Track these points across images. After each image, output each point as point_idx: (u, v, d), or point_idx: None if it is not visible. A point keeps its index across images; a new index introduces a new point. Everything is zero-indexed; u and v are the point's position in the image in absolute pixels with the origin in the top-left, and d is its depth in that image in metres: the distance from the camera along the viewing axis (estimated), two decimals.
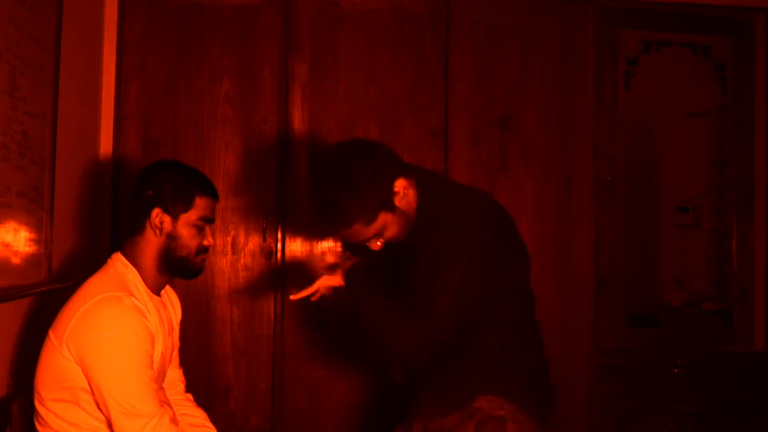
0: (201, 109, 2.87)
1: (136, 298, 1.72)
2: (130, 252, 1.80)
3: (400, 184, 1.75)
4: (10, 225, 2.02)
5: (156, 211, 1.77)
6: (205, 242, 1.84)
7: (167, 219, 1.78)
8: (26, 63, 2.08)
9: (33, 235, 2.18)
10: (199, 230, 1.81)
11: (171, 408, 1.86)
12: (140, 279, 1.78)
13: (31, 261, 2.18)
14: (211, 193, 1.84)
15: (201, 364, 2.78)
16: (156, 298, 1.83)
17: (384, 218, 1.73)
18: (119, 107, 2.83)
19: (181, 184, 1.80)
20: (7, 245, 2.00)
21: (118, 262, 1.80)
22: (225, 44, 2.88)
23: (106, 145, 2.83)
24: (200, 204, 1.81)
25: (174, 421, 1.76)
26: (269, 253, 2.87)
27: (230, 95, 2.88)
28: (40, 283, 2.18)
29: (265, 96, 2.89)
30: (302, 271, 2.87)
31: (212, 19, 2.87)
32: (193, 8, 2.87)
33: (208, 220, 1.83)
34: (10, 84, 1.98)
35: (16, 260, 2.06)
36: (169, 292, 1.96)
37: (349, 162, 1.73)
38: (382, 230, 1.75)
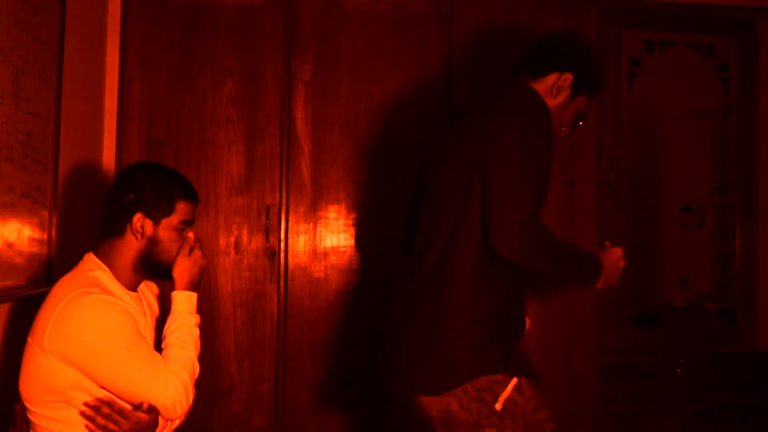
0: (204, 110, 2.87)
1: (109, 293, 1.71)
2: (105, 252, 1.80)
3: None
4: (14, 225, 2.03)
5: (138, 216, 1.77)
6: (190, 238, 1.85)
7: (148, 223, 1.78)
8: (30, 63, 2.09)
9: (36, 235, 2.19)
10: (180, 233, 1.82)
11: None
12: (113, 278, 1.78)
13: (35, 261, 2.18)
14: (193, 198, 1.85)
15: (204, 363, 2.74)
16: (133, 293, 1.83)
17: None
18: (122, 107, 2.84)
19: (162, 188, 1.79)
20: (10, 245, 2.01)
21: (89, 262, 1.79)
22: (228, 44, 2.88)
23: (109, 146, 2.83)
24: (181, 208, 1.81)
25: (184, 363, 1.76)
26: (272, 253, 2.87)
27: (233, 95, 2.88)
28: (44, 283, 2.18)
29: (268, 96, 2.90)
30: (305, 271, 2.88)
31: (215, 20, 2.88)
32: (196, 9, 2.87)
33: (188, 223, 1.84)
34: (13, 84, 1.98)
35: (19, 260, 2.07)
36: (144, 288, 1.93)
37: None
38: None
